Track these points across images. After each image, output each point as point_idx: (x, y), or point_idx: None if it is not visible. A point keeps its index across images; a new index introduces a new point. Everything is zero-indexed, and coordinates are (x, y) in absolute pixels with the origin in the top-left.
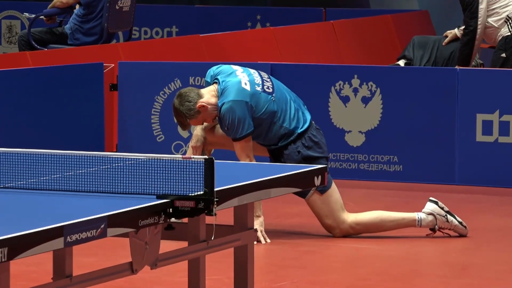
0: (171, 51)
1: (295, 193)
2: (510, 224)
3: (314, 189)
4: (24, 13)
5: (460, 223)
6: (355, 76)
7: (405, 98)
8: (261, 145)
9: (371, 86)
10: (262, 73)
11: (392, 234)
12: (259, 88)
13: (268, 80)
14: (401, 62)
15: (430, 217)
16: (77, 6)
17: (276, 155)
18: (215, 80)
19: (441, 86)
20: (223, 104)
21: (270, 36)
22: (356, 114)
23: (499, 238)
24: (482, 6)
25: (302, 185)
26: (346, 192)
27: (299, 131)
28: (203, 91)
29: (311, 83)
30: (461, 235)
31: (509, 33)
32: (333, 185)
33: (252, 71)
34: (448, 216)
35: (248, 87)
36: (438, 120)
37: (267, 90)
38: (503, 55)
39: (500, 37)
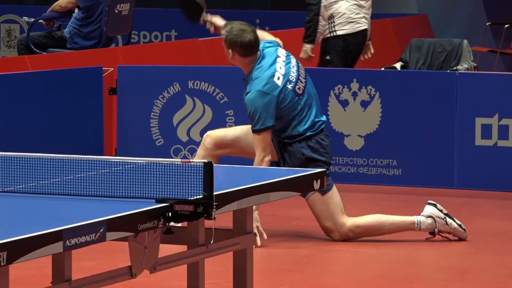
0: (170, 55)
1: None
2: (509, 228)
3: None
4: (23, 17)
5: (459, 225)
6: (354, 80)
7: (404, 102)
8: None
9: (370, 90)
10: (301, 71)
11: (392, 238)
12: (290, 86)
13: (303, 80)
14: (398, 65)
15: (429, 220)
16: (76, 10)
17: (281, 146)
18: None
19: (440, 90)
20: (249, 91)
21: None
22: (355, 118)
23: (498, 242)
24: None
25: (301, 189)
26: (345, 196)
27: (308, 133)
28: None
29: None
30: (460, 239)
31: (329, 35)
32: (334, 188)
33: (293, 63)
34: (447, 218)
35: (280, 82)
36: (437, 123)
37: (297, 90)
38: (328, 57)
39: (321, 38)
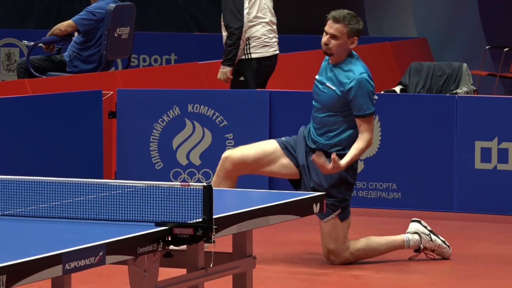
0: (170, 79)
1: None
2: (509, 252)
3: (336, 214)
4: (23, 41)
5: (443, 242)
6: None
7: (404, 126)
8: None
9: None
10: None
11: (386, 259)
12: None
13: None
14: (397, 89)
15: (416, 236)
16: (76, 34)
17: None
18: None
19: (440, 113)
20: (362, 73)
21: None
22: None
23: (498, 265)
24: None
25: (300, 212)
26: None
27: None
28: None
29: (311, 111)
30: (444, 258)
31: (244, 57)
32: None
33: None
34: (432, 235)
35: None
36: (437, 147)
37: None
38: (242, 78)
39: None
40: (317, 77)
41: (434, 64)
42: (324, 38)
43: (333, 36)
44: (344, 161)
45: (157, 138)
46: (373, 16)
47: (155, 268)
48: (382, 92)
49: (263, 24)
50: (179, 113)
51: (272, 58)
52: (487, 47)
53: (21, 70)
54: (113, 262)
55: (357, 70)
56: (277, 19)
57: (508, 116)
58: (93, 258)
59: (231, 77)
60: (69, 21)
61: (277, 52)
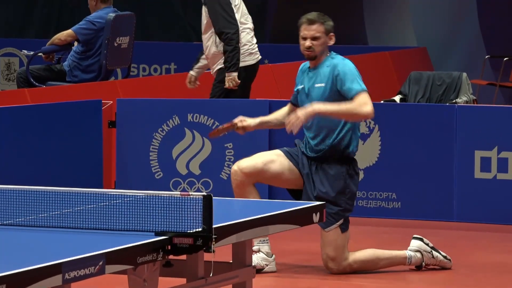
0: (170, 88)
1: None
2: (509, 261)
3: (338, 224)
4: (23, 50)
5: (445, 257)
6: None
7: (403, 135)
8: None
9: (369, 123)
10: None
11: (386, 269)
12: None
13: None
14: (397, 98)
15: (418, 254)
16: (76, 43)
17: (318, 167)
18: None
19: (440, 123)
20: (343, 59)
21: (268, 73)
22: None
23: (498, 275)
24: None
25: (300, 222)
26: None
27: (353, 155)
28: None
29: None
30: (445, 268)
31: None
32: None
33: None
34: (433, 252)
35: None
36: (437, 156)
37: None
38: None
39: (217, 69)
40: (298, 88)
41: (434, 74)
42: (306, 43)
43: (314, 38)
44: (319, 106)
45: (157, 147)
46: (372, 25)
47: (154, 278)
48: (382, 102)
49: (247, 30)
50: (179, 122)
51: (256, 64)
52: (486, 57)
53: (20, 79)
54: (113, 272)
55: (338, 60)
56: (276, 28)
57: (507, 125)
58: (93, 267)
59: (239, 81)
60: (69, 31)
61: (260, 57)
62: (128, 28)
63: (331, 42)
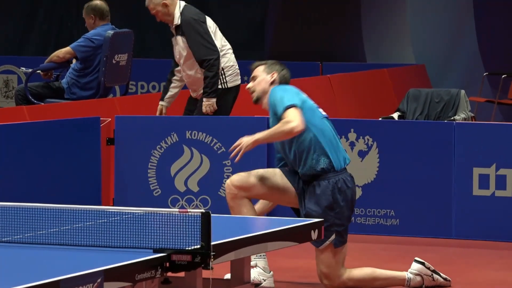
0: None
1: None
2: (507, 278)
3: (330, 241)
4: (21, 68)
5: (445, 279)
6: (352, 130)
7: (401, 152)
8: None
9: (368, 140)
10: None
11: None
12: (315, 105)
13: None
14: (395, 115)
15: (418, 278)
16: (74, 61)
17: (307, 188)
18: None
19: (438, 140)
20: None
21: None
22: (353, 168)
23: None
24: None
25: (299, 239)
26: None
27: (337, 168)
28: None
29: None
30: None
31: (220, 87)
32: None
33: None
34: (434, 275)
35: (304, 96)
36: (435, 173)
37: (322, 112)
38: (220, 108)
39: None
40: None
41: (432, 91)
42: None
43: (252, 78)
44: (258, 135)
45: (155, 164)
46: (371, 43)
47: None
48: (380, 119)
49: (230, 51)
50: (177, 139)
51: (239, 84)
52: (485, 74)
53: (19, 97)
54: None
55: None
56: (275, 46)
57: (506, 142)
58: (91, 284)
59: (216, 107)
60: (67, 48)
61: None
62: (126, 45)
63: (272, 79)
